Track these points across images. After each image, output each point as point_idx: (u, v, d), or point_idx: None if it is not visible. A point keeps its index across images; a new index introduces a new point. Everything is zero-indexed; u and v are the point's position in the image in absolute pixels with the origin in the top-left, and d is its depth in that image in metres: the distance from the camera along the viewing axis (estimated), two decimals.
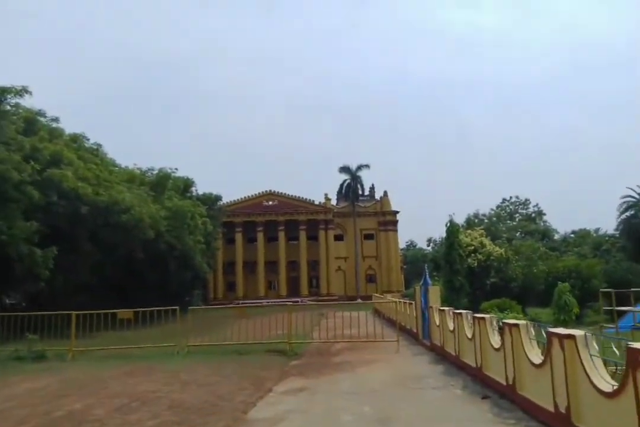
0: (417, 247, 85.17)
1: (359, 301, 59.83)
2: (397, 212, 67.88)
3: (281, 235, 63.67)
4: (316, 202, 65.62)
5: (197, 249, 38.48)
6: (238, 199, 64.68)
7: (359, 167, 64.23)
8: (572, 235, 62.92)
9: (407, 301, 19.71)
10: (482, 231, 21.09)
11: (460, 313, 11.15)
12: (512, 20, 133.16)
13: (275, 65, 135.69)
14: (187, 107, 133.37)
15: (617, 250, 45.44)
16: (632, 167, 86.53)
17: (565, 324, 9.88)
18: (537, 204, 63.23)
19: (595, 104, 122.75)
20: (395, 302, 18.63)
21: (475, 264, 18.72)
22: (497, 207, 63.56)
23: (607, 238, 58.55)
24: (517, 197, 64.08)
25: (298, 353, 14.91)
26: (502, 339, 8.23)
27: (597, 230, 61.67)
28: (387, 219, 67.33)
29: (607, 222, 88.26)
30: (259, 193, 65.03)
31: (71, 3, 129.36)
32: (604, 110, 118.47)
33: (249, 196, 65.15)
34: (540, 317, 16.39)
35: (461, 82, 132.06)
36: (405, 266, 73.88)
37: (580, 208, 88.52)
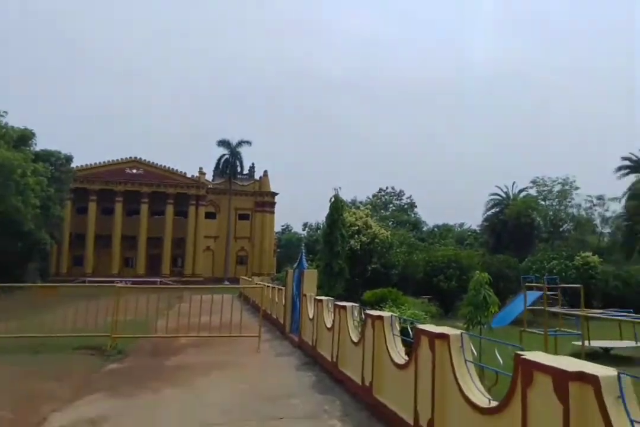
0: (293, 231, 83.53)
1: (227, 283, 56.51)
2: (276, 193, 64.99)
3: (144, 208, 57.06)
4: (189, 176, 59.97)
5: (28, 213, 31.50)
6: (95, 163, 56.45)
7: (240, 143, 59.87)
8: (436, 229, 65.71)
9: (277, 286, 16.66)
10: (368, 210, 18.86)
11: (344, 307, 8.26)
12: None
13: (167, 41, 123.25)
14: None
15: (479, 245, 47.57)
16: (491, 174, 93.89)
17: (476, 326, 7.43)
18: (410, 196, 64.99)
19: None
20: (262, 286, 15.43)
21: (358, 247, 16.31)
22: (374, 196, 63.95)
23: (469, 233, 61.77)
24: (392, 187, 65.23)
25: (122, 352, 11.01)
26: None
27: (461, 225, 65.33)
28: (265, 200, 64.13)
29: (471, 219, 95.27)
30: (121, 159, 57.39)
31: None
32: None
33: (109, 161, 57.19)
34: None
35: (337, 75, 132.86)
36: (279, 250, 71.60)
37: (449, 204, 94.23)
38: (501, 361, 4.80)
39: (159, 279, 54.97)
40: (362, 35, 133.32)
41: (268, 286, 18.26)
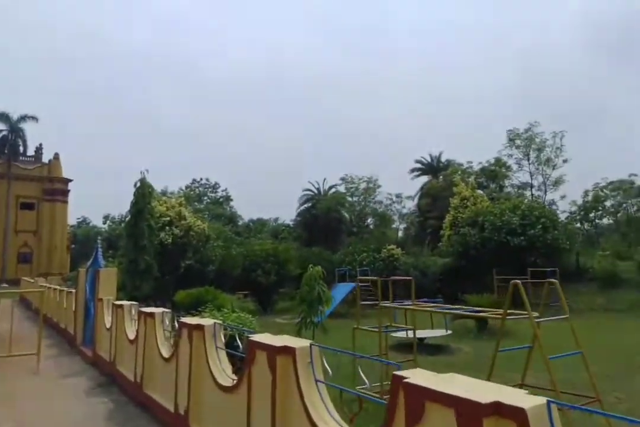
0: (92, 224, 74.42)
1: (5, 286, 47.26)
2: (70, 180, 56.68)
3: None
4: None
5: None
6: None
7: (23, 118, 50.58)
8: (251, 223, 65.70)
9: (65, 289, 13.73)
10: (182, 199, 16.80)
11: (151, 314, 6.59)
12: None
13: None
14: None
15: (293, 239, 48.72)
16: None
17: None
18: (225, 189, 63.51)
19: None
20: (42, 289, 12.37)
21: (170, 241, 14.26)
22: (187, 187, 60.71)
23: (283, 228, 63.16)
24: (207, 179, 62.87)
25: None
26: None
27: (276, 219, 66.22)
28: (55, 187, 55.31)
29: (286, 213, 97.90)
30: None
31: None
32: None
33: None
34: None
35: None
36: (74, 246, 62.71)
37: (264, 199, 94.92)
38: (367, 382, 3.90)
39: None
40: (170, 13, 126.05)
41: (54, 289, 15.02)
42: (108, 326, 8.56)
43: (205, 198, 60.99)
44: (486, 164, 38.76)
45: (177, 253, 14.56)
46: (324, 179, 47.30)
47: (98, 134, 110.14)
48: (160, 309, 6.93)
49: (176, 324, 5.95)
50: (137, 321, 7.18)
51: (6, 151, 50.83)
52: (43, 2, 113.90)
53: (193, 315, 6.87)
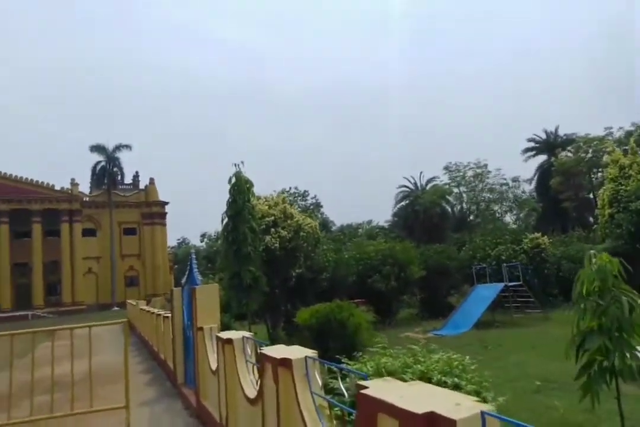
0: (191, 244, 76.20)
1: (116, 309, 48.63)
2: (166, 202, 57.93)
3: (4, 229, 47.44)
4: (59, 188, 51.07)
5: None
6: None
7: (118, 147, 52.21)
8: (344, 228, 63.23)
9: (162, 312, 11.57)
10: (284, 196, 14.21)
11: (287, 362, 3.76)
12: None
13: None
14: None
15: (391, 240, 45.43)
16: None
17: None
18: (315, 196, 61.76)
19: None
20: (124, 321, 10.15)
21: (278, 246, 11.62)
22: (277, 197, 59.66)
23: (377, 230, 60.10)
24: (296, 188, 61.50)
25: None
26: None
27: (369, 222, 63.25)
28: (154, 211, 56.76)
29: (378, 216, 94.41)
30: None
31: None
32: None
33: None
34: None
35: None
36: (176, 266, 64.04)
37: (354, 203, 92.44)
38: None
39: (30, 313, 45.75)
40: (244, 47, 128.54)
41: (150, 312, 13.04)
42: (213, 367, 5.90)
43: (296, 206, 59.53)
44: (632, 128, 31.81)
45: (286, 260, 11.92)
46: (421, 173, 43.50)
47: (185, 156, 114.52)
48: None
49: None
50: (255, 367, 4.41)
51: (106, 181, 52.81)
52: (129, 42, 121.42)
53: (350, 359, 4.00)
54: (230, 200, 10.40)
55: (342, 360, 4.54)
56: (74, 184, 51.87)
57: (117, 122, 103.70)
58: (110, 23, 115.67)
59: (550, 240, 19.37)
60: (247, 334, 4.88)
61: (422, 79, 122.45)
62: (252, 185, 10.55)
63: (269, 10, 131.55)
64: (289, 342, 13.04)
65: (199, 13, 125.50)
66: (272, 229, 11.81)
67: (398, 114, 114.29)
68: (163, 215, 57.92)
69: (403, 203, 42.85)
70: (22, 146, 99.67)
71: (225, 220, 10.41)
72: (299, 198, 60.45)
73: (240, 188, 10.34)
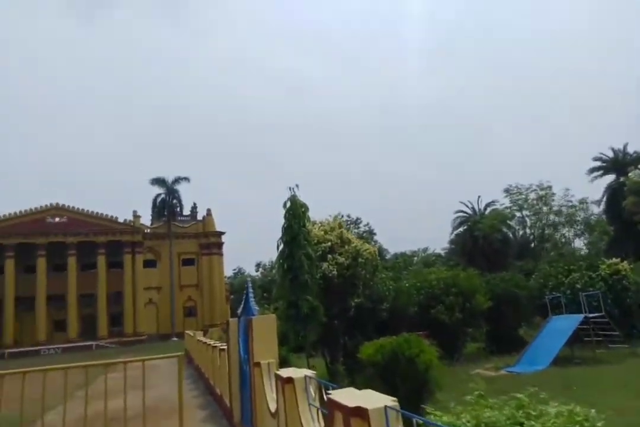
0: (246, 274, 76.98)
1: (175, 339, 49.25)
2: (223, 233, 59.06)
3: (72, 261, 49.69)
4: (122, 221, 53.34)
5: None
6: (9, 214, 49.01)
7: (177, 180, 54.16)
8: (399, 256, 61.82)
9: (218, 344, 11.27)
10: (340, 220, 13.79)
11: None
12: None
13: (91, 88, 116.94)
14: None
15: (449, 268, 43.74)
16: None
17: None
18: (368, 224, 61.02)
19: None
20: (179, 354, 9.89)
21: (335, 273, 11.12)
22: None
23: (434, 257, 58.36)
24: (348, 215, 61.11)
25: None
26: None
27: (424, 249, 61.54)
28: (211, 241, 57.96)
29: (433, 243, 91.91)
30: (41, 207, 50.22)
31: None
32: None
33: (26, 211, 49.87)
34: None
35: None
36: (232, 296, 64.66)
37: (407, 231, 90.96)
38: None
39: (94, 343, 47.26)
40: (297, 75, 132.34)
41: (206, 344, 12.78)
42: (272, 408, 5.41)
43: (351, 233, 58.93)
44: None
45: (344, 289, 11.38)
46: (479, 197, 41.93)
47: (239, 185, 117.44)
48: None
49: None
50: (321, 413, 3.91)
51: (166, 213, 54.69)
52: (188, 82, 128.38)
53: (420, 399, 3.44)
54: (285, 225, 10.11)
55: (427, 410, 3.95)
56: (136, 216, 54.06)
57: (174, 153, 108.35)
58: (170, 59, 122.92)
59: (631, 266, 17.72)
60: (309, 372, 4.40)
61: (474, 98, 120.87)
62: (307, 209, 10.25)
63: (320, 38, 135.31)
64: (350, 379, 12.35)
65: (253, 42, 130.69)
66: (329, 256, 11.38)
67: (454, 138, 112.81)
68: (220, 245, 58.99)
69: (461, 229, 41.33)
70: (89, 182, 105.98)
71: (281, 246, 10.11)
72: (352, 226, 59.94)
73: (295, 212, 10.06)
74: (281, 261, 9.91)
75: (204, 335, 24.18)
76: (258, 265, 65.23)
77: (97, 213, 52.34)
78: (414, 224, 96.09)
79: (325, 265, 11.06)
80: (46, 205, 50.38)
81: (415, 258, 59.22)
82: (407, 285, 15.19)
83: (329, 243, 11.67)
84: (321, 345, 12.00)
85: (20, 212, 49.67)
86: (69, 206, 51.24)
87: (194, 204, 62.55)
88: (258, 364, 6.25)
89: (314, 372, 4.45)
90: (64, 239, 49.43)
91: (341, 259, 11.26)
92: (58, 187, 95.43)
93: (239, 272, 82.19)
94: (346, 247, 11.73)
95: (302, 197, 10.23)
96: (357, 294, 11.76)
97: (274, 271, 61.75)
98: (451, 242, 46.12)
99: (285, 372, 4.68)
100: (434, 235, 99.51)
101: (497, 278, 18.09)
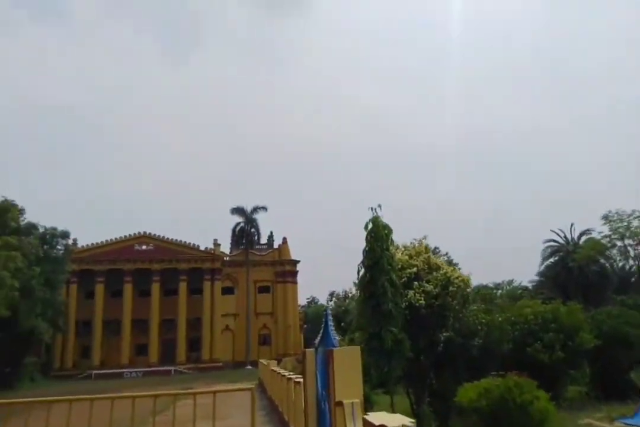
0: (320, 303, 76.26)
1: (249, 367, 49.12)
2: (297, 261, 59.19)
3: (155, 287, 51.76)
4: (203, 248, 55.15)
5: (4, 297, 26.40)
6: (101, 242, 52.32)
7: (255, 209, 55.40)
8: (481, 289, 58.25)
9: (293, 376, 10.52)
10: (425, 244, 12.65)
11: None
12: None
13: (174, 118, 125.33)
14: None
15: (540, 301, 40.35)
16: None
17: None
18: (447, 253, 58.34)
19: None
20: (252, 387, 9.25)
21: (423, 302, 10.05)
22: None
23: (520, 290, 54.54)
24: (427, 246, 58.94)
25: None
26: None
27: (510, 282, 57.63)
28: (286, 269, 58.22)
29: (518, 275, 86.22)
30: (129, 235, 53.24)
31: None
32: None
33: (115, 239, 53.04)
34: None
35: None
36: (305, 325, 64.07)
37: (488, 262, 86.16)
38: None
39: (172, 368, 48.28)
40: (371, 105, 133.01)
41: (281, 374, 12.08)
42: None
43: None
44: None
45: (433, 320, 10.29)
46: (572, 225, 38.69)
47: (315, 215, 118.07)
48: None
49: None
50: None
51: (244, 241, 55.90)
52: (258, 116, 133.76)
53: None
54: (366, 248, 9.35)
55: None
56: (216, 244, 55.66)
57: (250, 182, 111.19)
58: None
59: None
60: (406, 420, 3.55)
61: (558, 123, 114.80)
62: (390, 231, 9.45)
63: (396, 69, 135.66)
64: (437, 423, 11.07)
65: (331, 74, 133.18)
66: (415, 283, 10.37)
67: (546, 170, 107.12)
68: (294, 273, 59.06)
69: (552, 260, 38.17)
70: (171, 210, 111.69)
71: (362, 271, 9.33)
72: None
73: (377, 235, 9.29)
74: (362, 287, 9.11)
75: (278, 364, 23.55)
76: (331, 294, 64.41)
77: (181, 241, 54.52)
78: (495, 256, 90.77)
79: (410, 293, 10.07)
80: (135, 234, 53.32)
81: (500, 291, 55.49)
82: (500, 319, 13.72)
83: (415, 269, 10.70)
84: (405, 382, 10.87)
85: (111, 239, 52.88)
86: (155, 235, 53.87)
87: (271, 232, 63.62)
88: (340, 404, 5.40)
89: (413, 420, 3.58)
90: (149, 265, 51.77)
91: (429, 287, 10.23)
92: (144, 214, 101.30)
93: (312, 302, 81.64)
94: (434, 273, 10.70)
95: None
96: (447, 327, 10.61)
97: (347, 301, 60.60)
98: (540, 274, 42.76)
99: (376, 418, 3.85)
100: (513, 267, 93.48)
101: (602, 313, 15.99)
